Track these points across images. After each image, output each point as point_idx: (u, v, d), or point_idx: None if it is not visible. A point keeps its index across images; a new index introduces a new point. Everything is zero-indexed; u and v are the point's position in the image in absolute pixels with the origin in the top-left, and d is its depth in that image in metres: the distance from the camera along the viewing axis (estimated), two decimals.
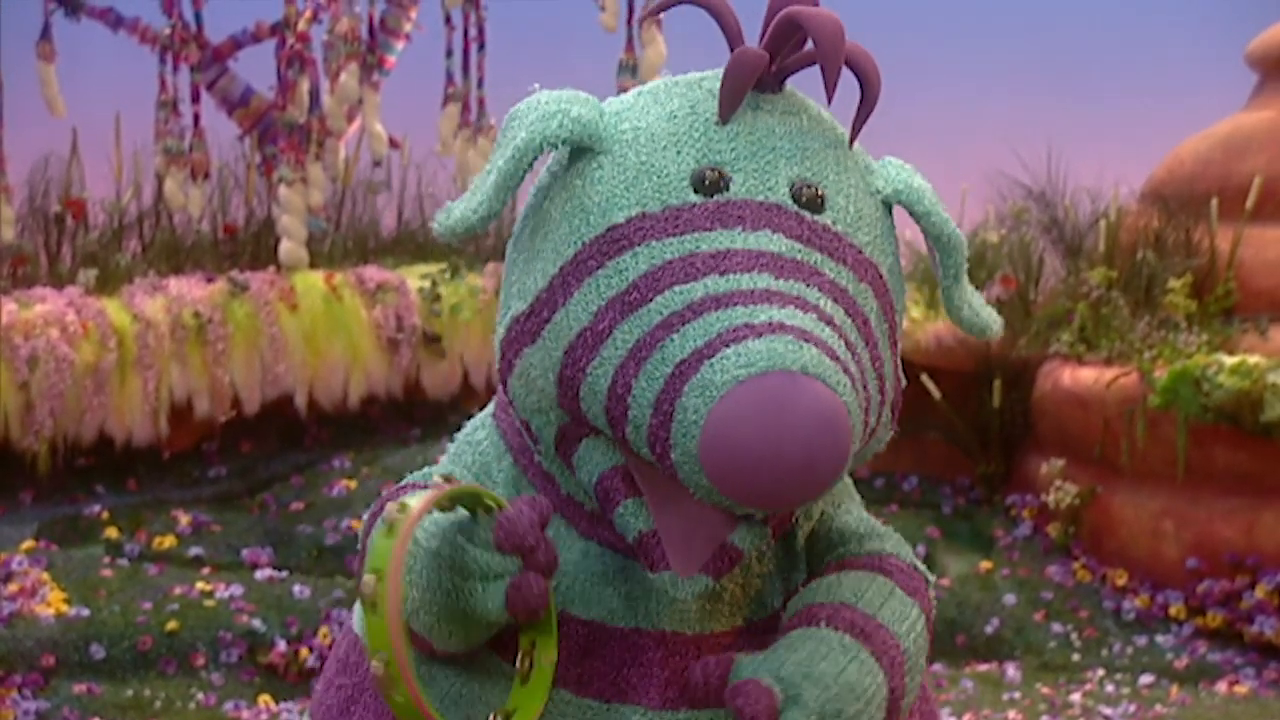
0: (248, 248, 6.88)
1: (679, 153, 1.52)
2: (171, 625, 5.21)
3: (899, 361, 1.58)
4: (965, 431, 6.93)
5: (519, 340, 1.53)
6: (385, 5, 6.99)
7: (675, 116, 1.55)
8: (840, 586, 1.55)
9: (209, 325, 6.27)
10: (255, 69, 7.08)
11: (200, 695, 5.04)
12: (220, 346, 6.28)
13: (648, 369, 1.41)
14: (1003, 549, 6.45)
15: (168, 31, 6.88)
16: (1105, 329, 6.49)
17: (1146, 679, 5.61)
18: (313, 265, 6.68)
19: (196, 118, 6.98)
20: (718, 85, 1.55)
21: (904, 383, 1.60)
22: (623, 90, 7.11)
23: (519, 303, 1.54)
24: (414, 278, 6.72)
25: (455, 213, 1.55)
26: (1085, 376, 6.27)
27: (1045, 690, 5.51)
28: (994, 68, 10.75)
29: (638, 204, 1.50)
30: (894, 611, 1.54)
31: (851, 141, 1.58)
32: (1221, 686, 5.54)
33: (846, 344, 1.43)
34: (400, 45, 7.05)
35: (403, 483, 1.68)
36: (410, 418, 6.81)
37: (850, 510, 1.69)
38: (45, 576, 5.44)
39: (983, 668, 5.77)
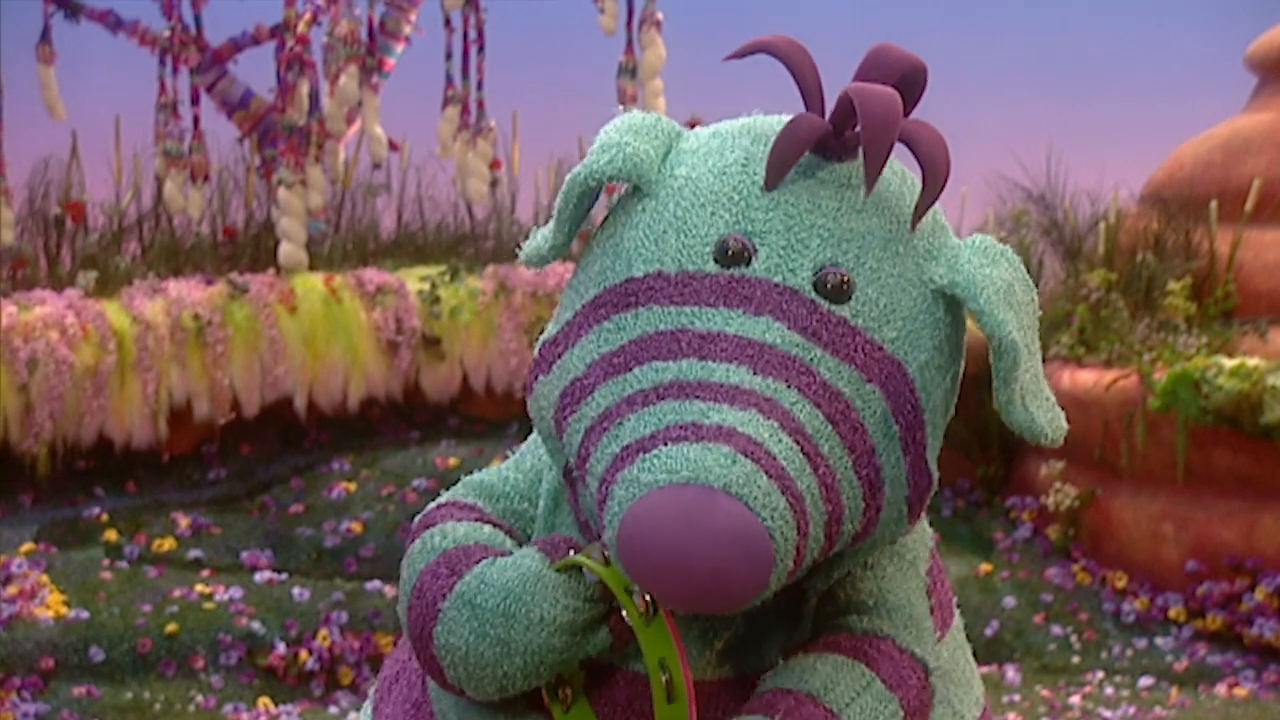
0: (247, 250, 6.87)
1: (713, 214, 1.47)
2: (171, 627, 5.20)
3: (927, 456, 1.49)
4: (965, 434, 6.92)
5: (539, 366, 1.52)
6: (385, 8, 6.99)
7: (726, 172, 1.50)
8: (814, 674, 1.50)
9: (208, 327, 6.26)
10: (255, 71, 7.08)
11: (200, 697, 5.03)
12: (220, 349, 6.27)
13: (603, 443, 1.41)
14: (1002, 551, 6.44)
15: (167, 34, 6.88)
16: (1105, 331, 6.48)
17: (1146, 681, 5.60)
18: (312, 268, 6.68)
19: (196, 120, 6.98)
20: None
21: (934, 476, 1.50)
22: (621, 93, 7.04)
23: (553, 327, 1.53)
24: (413, 280, 6.71)
25: (531, 243, 1.56)
26: (1085, 379, 6.27)
27: (1045, 692, 5.50)
28: (994, 71, 10.75)
29: (658, 260, 1.47)
30: (863, 709, 1.49)
31: (914, 225, 1.49)
32: (1221, 689, 5.53)
33: (809, 456, 1.38)
34: (400, 48, 7.04)
35: (450, 498, 1.67)
36: (410, 420, 6.80)
37: (877, 577, 1.60)
38: (45, 579, 5.44)
39: (982, 670, 5.72)
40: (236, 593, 5.42)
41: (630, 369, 1.42)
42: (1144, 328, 6.41)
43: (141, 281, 6.41)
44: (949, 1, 10.88)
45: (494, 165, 7.20)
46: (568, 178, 1.52)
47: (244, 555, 5.83)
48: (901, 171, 1.54)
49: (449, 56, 7.15)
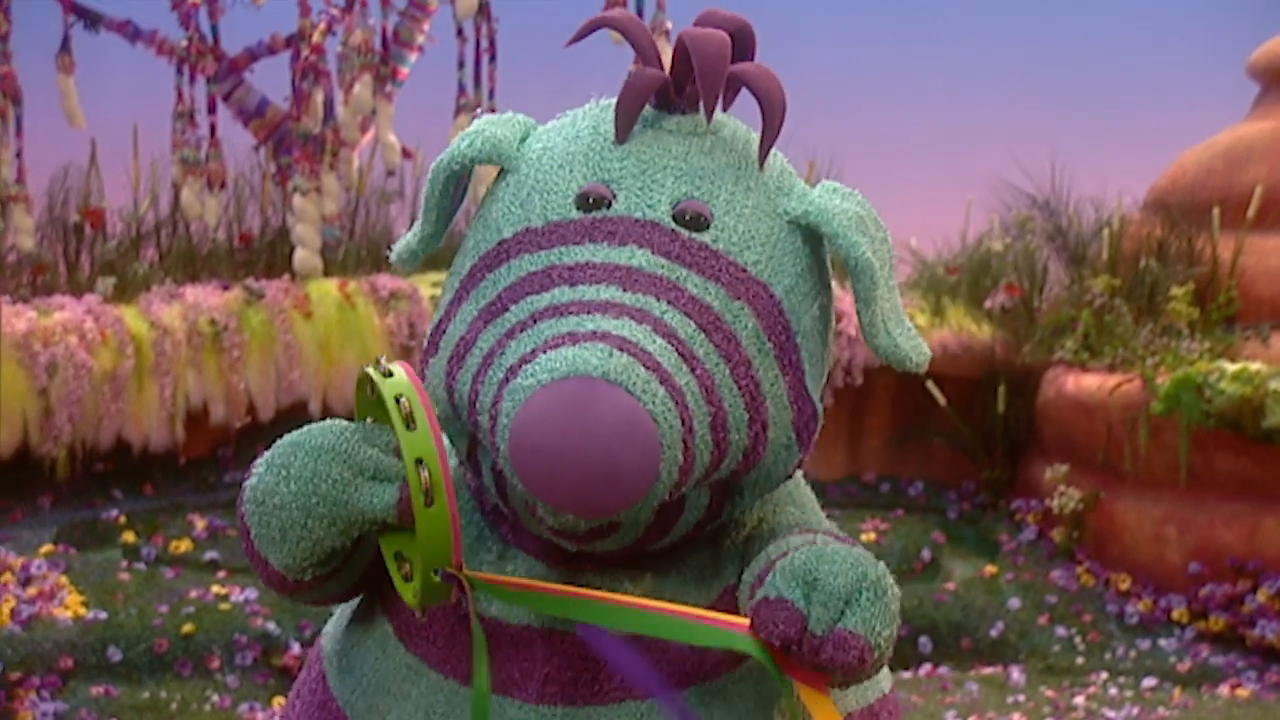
0: (263, 256, 6.88)
1: (570, 170, 1.55)
2: (187, 628, 5.21)
3: (807, 383, 1.55)
4: (970, 437, 6.92)
5: (428, 352, 1.57)
6: (399, 18, 7.00)
7: (579, 136, 1.57)
8: (814, 542, 1.52)
9: (225, 332, 6.27)
10: (271, 80, 7.09)
11: (215, 697, 5.04)
12: (236, 353, 6.28)
13: (488, 376, 1.45)
14: (1007, 553, 6.44)
15: (185, 44, 6.89)
16: (1109, 336, 6.48)
17: (1149, 682, 5.59)
18: (327, 273, 6.69)
19: (213, 128, 6.99)
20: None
21: (818, 406, 1.56)
22: None
23: (437, 313, 1.58)
24: (426, 286, 6.72)
25: (400, 245, 1.63)
26: (1089, 383, 6.26)
27: (1049, 693, 5.49)
28: (999, 80, 10.74)
29: (524, 219, 1.53)
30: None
31: (762, 163, 1.57)
32: (1224, 689, 5.52)
33: (684, 356, 1.43)
34: (413, 57, 7.05)
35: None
36: None
37: (790, 511, 1.66)
38: (63, 580, 5.45)
39: (987, 671, 5.75)
40: (252, 594, 5.43)
41: (507, 309, 1.47)
42: (1147, 333, 6.40)
43: (159, 287, 6.42)
44: (955, 11, 10.88)
45: None
46: (431, 167, 1.60)
47: None
48: (745, 127, 1.61)
49: (461, 65, 7.16)
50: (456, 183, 1.61)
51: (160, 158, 7.06)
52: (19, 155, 6.63)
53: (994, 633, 5.92)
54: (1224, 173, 6.89)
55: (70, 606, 5.27)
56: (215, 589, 5.47)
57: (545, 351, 1.39)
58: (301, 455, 1.47)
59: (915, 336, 1.61)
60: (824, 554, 1.44)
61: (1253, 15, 8.27)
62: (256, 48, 7.10)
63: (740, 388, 1.47)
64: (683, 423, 1.40)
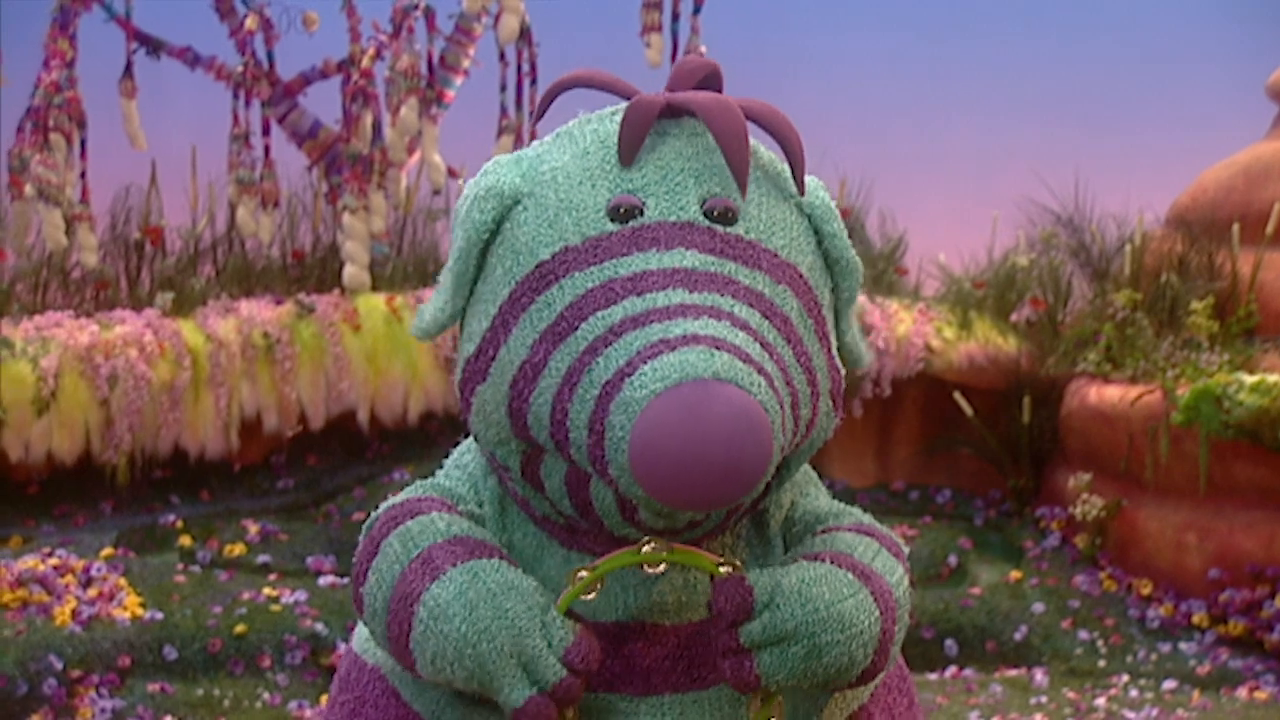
0: (314, 272, 6.91)
1: (594, 186, 1.54)
2: (240, 628, 5.22)
3: (835, 352, 1.59)
4: (996, 447, 6.87)
5: (472, 380, 1.56)
6: (444, 43, 7.01)
7: (588, 153, 1.57)
8: (835, 542, 1.57)
9: (277, 345, 6.29)
10: (322, 104, 7.12)
11: (266, 695, 5.05)
12: (288, 365, 6.30)
13: (579, 393, 1.43)
14: (1032, 559, 6.39)
15: (241, 69, 6.93)
16: (1130, 349, 6.42)
17: (1170, 684, 5.54)
18: (375, 288, 6.71)
19: (267, 149, 7.02)
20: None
21: (842, 371, 1.59)
22: None
23: (469, 345, 1.57)
24: None
25: (427, 315, 1.62)
26: (1111, 394, 6.21)
27: (1071, 695, 5.44)
28: (1024, 100, 10.69)
29: (560, 239, 1.52)
30: (884, 565, 1.57)
31: (801, 189, 1.59)
32: (1242, 692, 5.46)
33: (763, 345, 1.44)
34: (458, 80, 7.07)
35: (410, 495, 1.69)
36: (466, 432, 6.80)
37: (818, 496, 1.70)
38: (122, 582, 5.47)
39: (1011, 673, 5.71)
40: (302, 595, 5.44)
41: (576, 328, 1.46)
42: (1168, 345, 6.35)
43: (215, 302, 6.45)
44: (983, 36, 10.84)
45: None
46: (460, 247, 1.57)
47: (309, 560, 5.85)
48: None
49: (504, 88, 7.17)
50: (484, 249, 1.59)
51: (217, 178, 7.09)
52: (83, 176, 6.67)
53: (1018, 636, 5.87)
54: (1244, 190, 6.82)
55: (129, 607, 5.29)
56: (267, 591, 5.48)
57: (646, 362, 1.38)
58: (490, 605, 1.47)
59: (864, 341, 1.66)
60: (821, 589, 1.47)
61: (1272, 38, 8.20)
62: (309, 72, 7.13)
63: (801, 365, 1.49)
64: (780, 407, 1.42)
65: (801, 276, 1.54)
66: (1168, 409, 5.89)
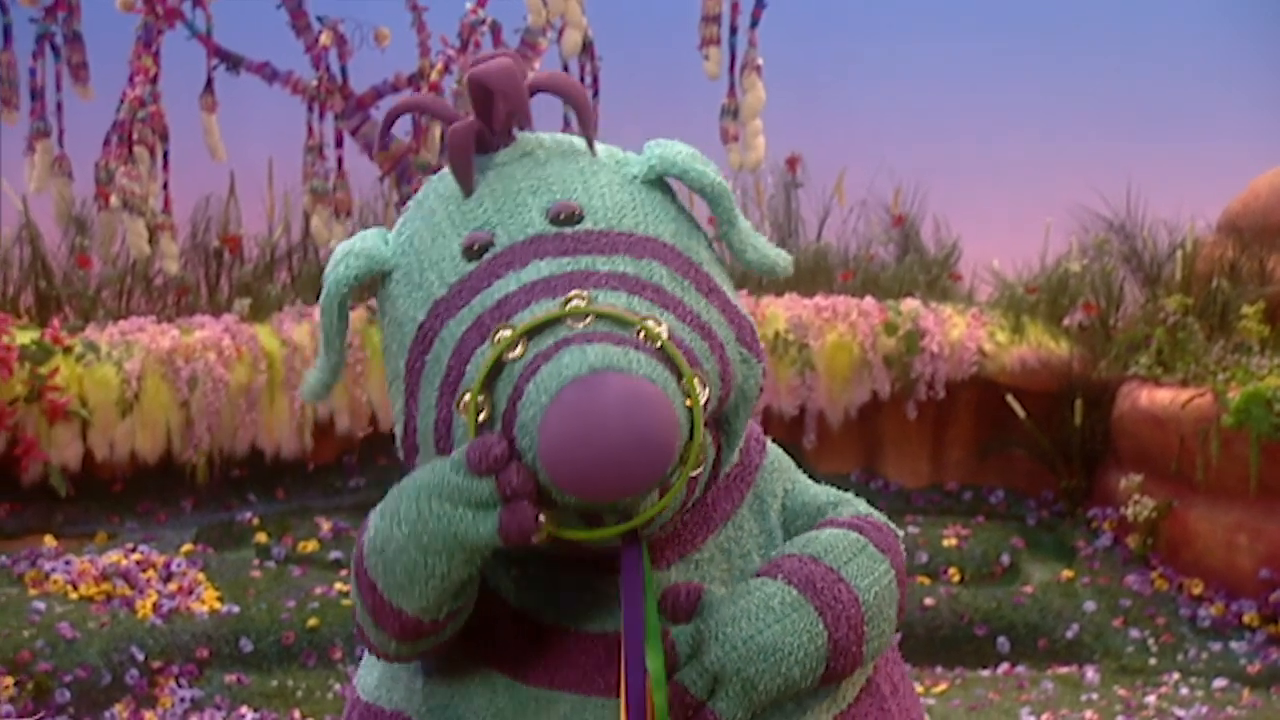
0: None
1: (445, 237, 1.55)
2: (312, 622, 5.27)
3: (732, 300, 1.57)
4: (1049, 448, 6.82)
5: (409, 455, 1.56)
6: None
7: (434, 210, 1.58)
8: (816, 541, 1.55)
9: (349, 349, 6.33)
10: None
11: (337, 686, 5.09)
12: (360, 368, 6.35)
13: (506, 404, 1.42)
14: (1084, 559, 6.33)
15: (316, 84, 6.99)
16: (1181, 353, 6.35)
17: (1220, 683, 5.47)
18: None
19: (340, 161, 7.08)
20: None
21: (749, 319, 1.58)
22: (724, 133, 7.04)
23: (397, 425, 1.58)
24: None
25: (310, 381, 1.65)
26: (1162, 397, 6.15)
27: (1122, 692, 5.39)
28: (1077, 111, 10.60)
29: (429, 296, 1.53)
30: (860, 566, 1.53)
31: (591, 147, 1.59)
32: None
33: (639, 320, 1.43)
34: None
35: None
36: None
37: (809, 484, 1.69)
38: (201, 576, 5.54)
39: (1063, 670, 5.65)
40: None
41: (465, 373, 1.45)
42: (1219, 349, 6.27)
43: (290, 307, 6.51)
44: (1036, 47, 10.76)
45: None
46: (322, 302, 1.59)
47: None
48: (553, 133, 1.63)
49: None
50: (346, 306, 1.61)
51: (293, 188, 7.17)
52: (165, 187, 6.75)
53: (1070, 634, 5.82)
54: None
55: (207, 601, 5.35)
56: (338, 586, 5.53)
57: (529, 381, 1.38)
58: (406, 498, 1.45)
59: (776, 249, 1.64)
60: (741, 625, 1.46)
61: None
62: (381, 86, 7.18)
63: (688, 323, 1.48)
64: (670, 371, 1.40)
65: (665, 245, 1.54)
66: (1218, 412, 5.82)
